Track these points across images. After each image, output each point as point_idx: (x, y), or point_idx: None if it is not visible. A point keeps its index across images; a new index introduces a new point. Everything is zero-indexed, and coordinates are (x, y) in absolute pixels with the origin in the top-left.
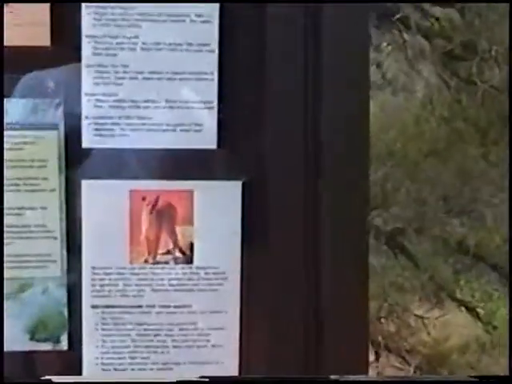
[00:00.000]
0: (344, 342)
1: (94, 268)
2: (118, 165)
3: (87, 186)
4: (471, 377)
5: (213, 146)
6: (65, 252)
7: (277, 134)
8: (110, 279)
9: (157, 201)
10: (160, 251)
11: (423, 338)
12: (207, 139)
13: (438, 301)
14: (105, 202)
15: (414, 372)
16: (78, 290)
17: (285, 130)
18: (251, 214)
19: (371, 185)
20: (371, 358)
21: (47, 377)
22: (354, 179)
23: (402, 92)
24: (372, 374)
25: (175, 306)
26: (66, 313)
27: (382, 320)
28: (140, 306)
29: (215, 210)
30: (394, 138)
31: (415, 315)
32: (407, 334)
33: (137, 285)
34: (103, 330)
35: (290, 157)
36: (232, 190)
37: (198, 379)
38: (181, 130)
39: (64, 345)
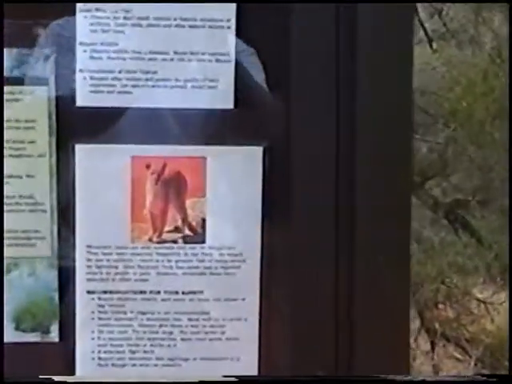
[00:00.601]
0: (381, 334)
1: (89, 247)
2: (119, 127)
3: (82, 152)
4: (471, 377)
5: (229, 105)
6: (56, 228)
7: (304, 91)
8: (108, 260)
9: (163, 169)
10: (167, 228)
11: (486, 326)
12: (223, 97)
13: (505, 283)
14: (102, 170)
15: (475, 364)
16: (71, 273)
17: (314, 86)
18: (273, 185)
19: (429, 150)
20: (426, 347)
21: (46, 376)
22: (396, 146)
23: (468, 44)
24: (427, 365)
25: (184, 293)
26: (56, 299)
27: (440, 305)
28: (143, 292)
29: (232, 180)
30: (459, 97)
31: (477, 299)
32: (468, 320)
33: (139, 267)
34: (100, 319)
35: (319, 119)
36: (251, 157)
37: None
38: (192, 87)
39: (54, 336)
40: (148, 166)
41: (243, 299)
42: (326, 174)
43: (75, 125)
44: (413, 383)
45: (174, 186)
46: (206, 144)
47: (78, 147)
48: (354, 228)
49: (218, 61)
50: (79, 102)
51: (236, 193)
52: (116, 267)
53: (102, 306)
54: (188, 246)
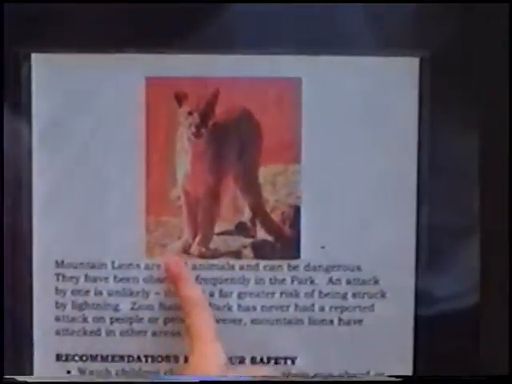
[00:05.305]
0: None
1: (60, 265)
2: (119, 20)
3: (44, 66)
4: (471, 377)
5: None
6: None
7: None
8: (99, 293)
9: (212, 104)
10: (220, 227)
11: None
12: None
13: None
14: (87, 105)
15: None
16: (28, 318)
17: None
18: (438, 133)
19: None
20: None
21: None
22: None
23: None
24: None
25: (256, 360)
26: None
27: None
28: (174, 358)
29: (356, 126)
30: None
31: None
32: None
33: (164, 308)
34: None
35: None
36: (397, 77)
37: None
38: None
39: None
40: (181, 98)
41: (380, 374)
42: None
43: (30, 18)
44: (412, 382)
45: (234, 140)
46: (302, 52)
47: (36, 57)
48: None
49: None
50: None
51: (368, 150)
52: (116, 308)
53: None
54: (264, 263)
